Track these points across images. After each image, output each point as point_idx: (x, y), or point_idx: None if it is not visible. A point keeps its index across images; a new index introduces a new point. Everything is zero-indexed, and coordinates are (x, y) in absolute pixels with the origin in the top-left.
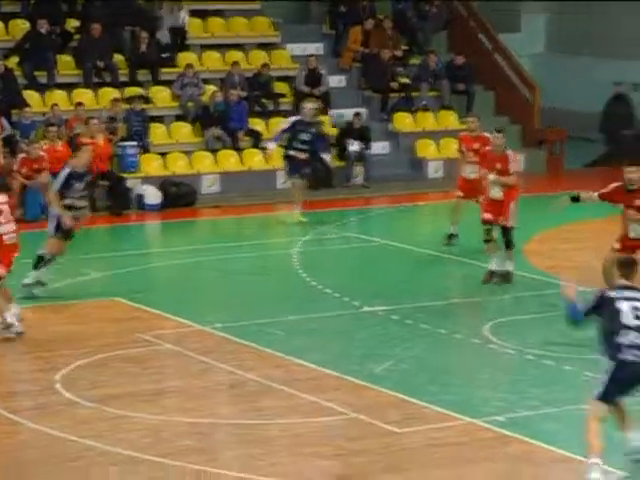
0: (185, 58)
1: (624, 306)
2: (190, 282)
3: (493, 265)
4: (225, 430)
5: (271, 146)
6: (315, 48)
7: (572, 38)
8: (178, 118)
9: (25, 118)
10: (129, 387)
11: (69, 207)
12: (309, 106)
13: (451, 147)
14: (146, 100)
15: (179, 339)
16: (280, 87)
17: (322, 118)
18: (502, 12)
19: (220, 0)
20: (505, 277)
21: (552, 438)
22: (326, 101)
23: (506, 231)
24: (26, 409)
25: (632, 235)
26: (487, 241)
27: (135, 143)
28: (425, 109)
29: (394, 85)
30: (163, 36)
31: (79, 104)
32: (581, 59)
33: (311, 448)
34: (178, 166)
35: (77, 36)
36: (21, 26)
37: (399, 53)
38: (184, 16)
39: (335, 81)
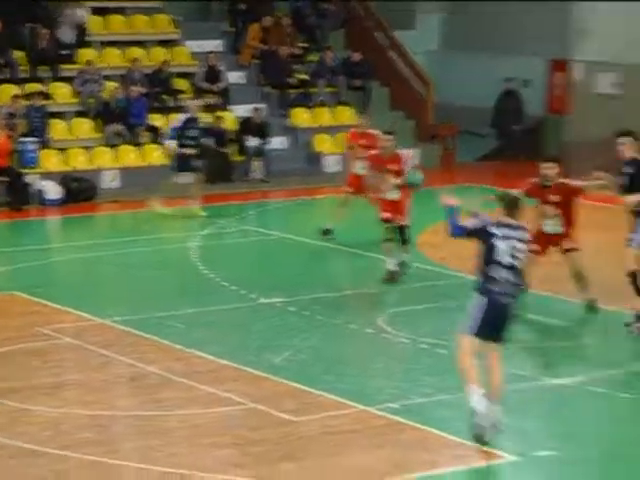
0: (85, 55)
1: (502, 244)
2: (90, 276)
3: (391, 265)
4: (125, 422)
5: (172, 145)
6: (214, 45)
7: (465, 36)
8: (79, 114)
9: None
10: (29, 380)
11: None
12: (194, 103)
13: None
14: (46, 96)
15: (79, 333)
16: (180, 84)
17: (221, 114)
18: (397, 11)
19: None
20: (401, 267)
21: (445, 425)
22: (225, 97)
23: (402, 230)
24: None
25: (547, 230)
26: (387, 240)
27: (35, 139)
28: (322, 105)
29: (292, 81)
30: (63, 33)
31: None
32: (473, 56)
33: (210, 438)
34: (78, 161)
35: None
36: None
37: (297, 50)
38: (83, 14)
39: (234, 77)
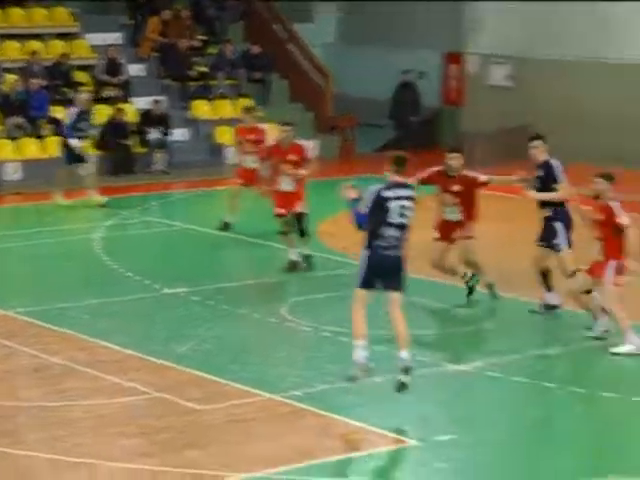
0: None
1: (393, 205)
2: None
3: (293, 255)
4: (29, 413)
5: (74, 142)
6: (114, 38)
7: (362, 29)
8: None
9: None
10: None
11: None
12: (84, 96)
13: None
14: None
15: None
16: (80, 76)
17: (123, 106)
18: (295, 3)
19: None
20: (307, 262)
21: (347, 411)
22: (126, 90)
23: (299, 218)
24: None
25: (448, 217)
26: (283, 233)
27: None
28: (223, 97)
29: (192, 74)
30: None
31: None
32: (370, 49)
33: (115, 428)
34: None
35: None
36: None
37: (197, 43)
38: None
39: (135, 70)
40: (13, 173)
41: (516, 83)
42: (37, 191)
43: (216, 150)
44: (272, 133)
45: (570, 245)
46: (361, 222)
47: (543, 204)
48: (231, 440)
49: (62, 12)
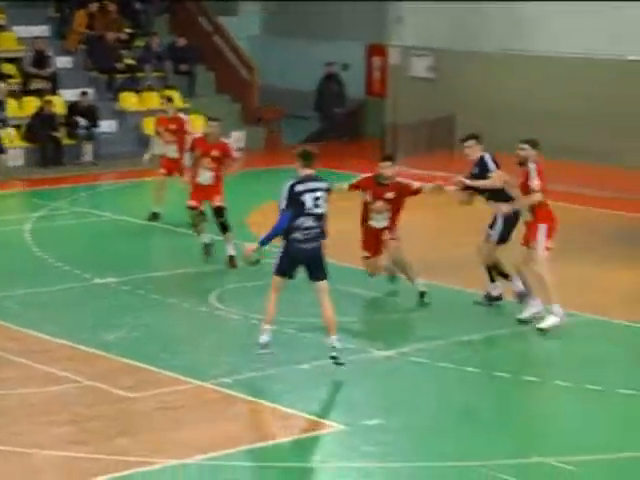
0: None
1: (307, 197)
2: None
3: (205, 239)
4: None
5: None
6: (41, 30)
7: (287, 21)
8: None
9: None
10: None
11: None
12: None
13: None
14: None
15: None
16: (8, 68)
17: (51, 98)
18: None
19: None
20: (231, 261)
21: (276, 397)
22: (54, 82)
23: (219, 212)
24: None
25: (374, 225)
26: (194, 225)
27: None
28: (150, 89)
29: (120, 66)
30: None
31: None
32: (295, 41)
33: (47, 416)
34: None
35: None
36: None
37: (124, 36)
38: None
39: (62, 62)
40: None
41: (438, 75)
42: None
43: (144, 141)
44: (194, 123)
45: (503, 241)
46: (283, 227)
47: (489, 199)
48: (161, 427)
49: None
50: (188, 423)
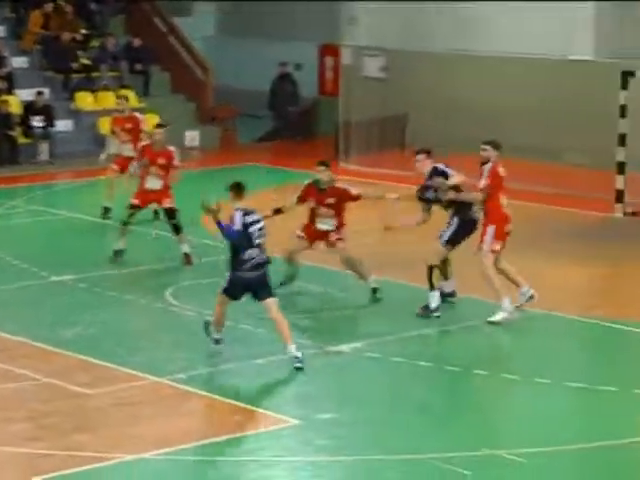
0: None
1: (254, 228)
2: None
3: (121, 244)
4: None
5: None
6: None
7: (241, 22)
8: None
9: None
10: None
11: None
12: None
13: None
14: None
15: None
16: None
17: (6, 97)
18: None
19: None
20: (187, 258)
21: (232, 392)
22: (10, 81)
23: (170, 213)
24: None
25: (321, 227)
26: (124, 223)
27: None
28: (105, 89)
29: (75, 66)
30: None
31: None
32: (249, 41)
33: (4, 413)
34: None
35: None
36: None
37: (79, 36)
38: None
39: (18, 62)
40: None
41: (389, 74)
42: None
43: (99, 140)
44: (149, 122)
45: (452, 243)
46: (232, 235)
47: (448, 205)
48: (118, 423)
49: None
50: (144, 419)
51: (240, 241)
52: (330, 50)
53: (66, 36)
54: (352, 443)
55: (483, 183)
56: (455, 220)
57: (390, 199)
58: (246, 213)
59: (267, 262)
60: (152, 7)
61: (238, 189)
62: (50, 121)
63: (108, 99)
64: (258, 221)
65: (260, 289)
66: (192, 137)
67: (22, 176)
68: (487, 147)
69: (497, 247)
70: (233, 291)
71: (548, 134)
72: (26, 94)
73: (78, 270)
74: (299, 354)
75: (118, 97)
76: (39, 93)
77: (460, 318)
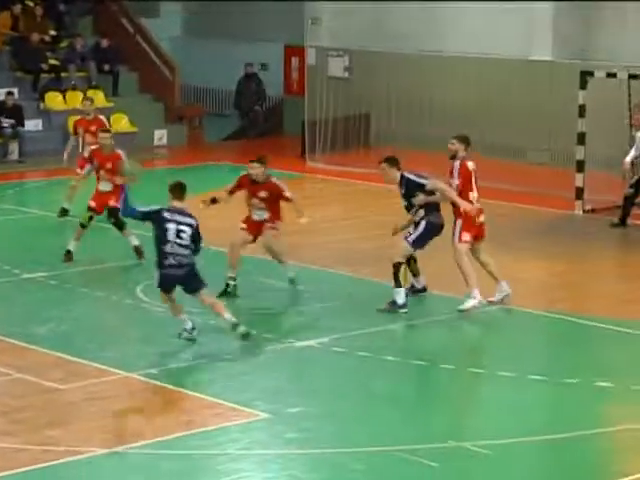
0: None
1: (171, 226)
2: None
3: (71, 246)
4: None
5: None
6: None
7: (207, 23)
8: None
9: None
10: None
11: None
12: None
13: None
14: None
15: None
16: None
17: None
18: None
19: None
20: (137, 252)
21: (202, 387)
22: None
23: (112, 212)
24: None
25: (255, 218)
26: (83, 226)
27: None
28: (74, 88)
29: (44, 66)
30: None
31: None
32: (215, 42)
33: None
34: None
35: None
36: None
37: (48, 37)
38: None
39: None
40: None
41: (353, 75)
42: None
43: (69, 139)
44: (118, 122)
45: (418, 246)
46: (127, 212)
47: (418, 207)
48: (90, 417)
49: None
50: (116, 413)
51: (136, 219)
52: (295, 51)
53: (35, 37)
54: (320, 436)
55: (455, 183)
56: (423, 223)
57: (301, 221)
58: (169, 210)
59: (191, 262)
60: (120, 8)
61: (174, 190)
62: (20, 121)
63: (77, 99)
64: (180, 223)
65: (188, 283)
66: (160, 136)
67: None
68: (454, 141)
69: (467, 238)
70: (164, 287)
71: (511, 133)
72: None
73: (49, 267)
74: (235, 320)
75: (83, 99)
76: (9, 93)
77: (426, 313)
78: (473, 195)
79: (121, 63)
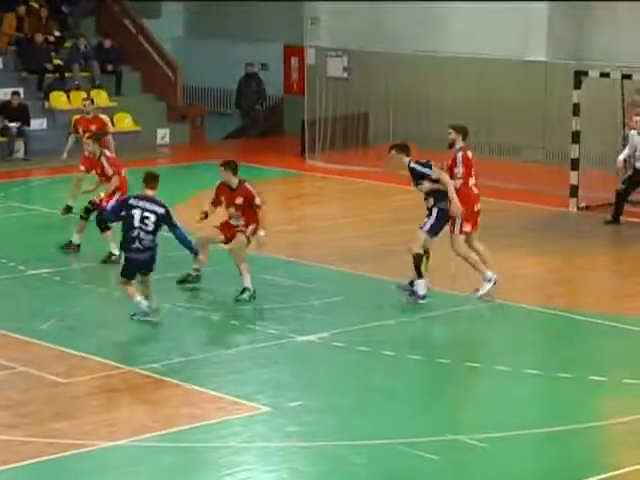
0: None
1: (137, 212)
2: None
3: (75, 238)
4: None
5: None
6: None
7: (208, 24)
8: None
9: None
10: None
11: None
12: None
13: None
14: None
15: None
16: None
17: None
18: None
19: None
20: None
21: (204, 381)
22: None
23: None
24: None
25: (232, 223)
26: (83, 218)
27: None
28: (78, 88)
29: (49, 66)
30: None
31: None
32: (216, 42)
33: None
34: None
35: None
36: None
37: (52, 38)
38: None
39: None
40: None
41: (352, 75)
42: None
43: (69, 137)
44: (121, 121)
45: (433, 233)
46: (109, 217)
47: (427, 195)
48: (94, 411)
49: None
50: (119, 407)
51: (112, 217)
52: (295, 51)
53: (39, 38)
54: (321, 429)
55: (460, 171)
56: (435, 210)
57: (259, 235)
58: (137, 197)
59: (153, 247)
60: (122, 9)
61: (146, 179)
62: (25, 120)
63: (81, 98)
64: (145, 210)
65: (146, 269)
66: (163, 135)
67: None
68: (451, 130)
69: (467, 229)
70: (127, 273)
71: (507, 132)
72: (1, 94)
73: (54, 264)
74: (154, 305)
75: (84, 99)
76: (14, 93)
77: (425, 309)
78: (472, 181)
79: (124, 63)
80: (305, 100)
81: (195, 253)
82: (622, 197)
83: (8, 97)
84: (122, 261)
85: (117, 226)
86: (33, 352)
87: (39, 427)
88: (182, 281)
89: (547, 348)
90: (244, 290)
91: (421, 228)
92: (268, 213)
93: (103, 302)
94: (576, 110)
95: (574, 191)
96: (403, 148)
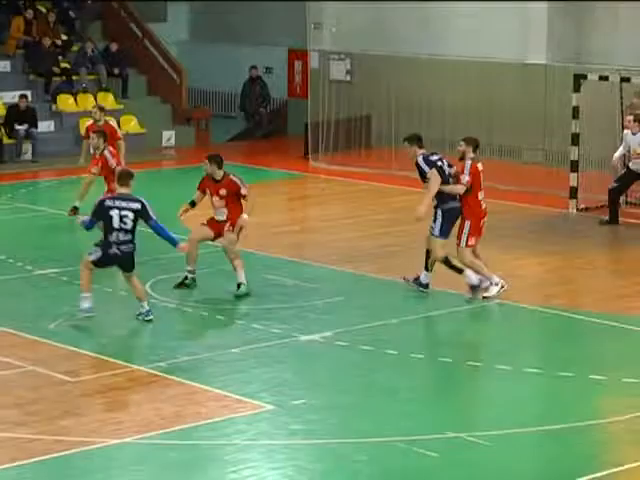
0: None
1: (114, 213)
2: None
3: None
4: None
5: None
6: None
7: (212, 27)
8: None
9: None
10: None
11: None
12: None
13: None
14: None
15: None
16: None
17: None
18: (150, 3)
19: None
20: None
21: (209, 380)
22: None
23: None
24: None
25: (217, 218)
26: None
27: None
28: (85, 91)
29: (56, 70)
30: None
31: None
32: (221, 46)
33: None
34: None
35: None
36: None
37: (59, 41)
38: None
39: (1, 66)
40: None
41: (354, 78)
42: None
43: (80, 140)
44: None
45: (445, 234)
46: (88, 226)
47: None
48: (101, 409)
49: None
50: (126, 405)
51: (91, 225)
52: (298, 55)
53: (47, 41)
54: (324, 427)
55: (465, 179)
56: (439, 212)
57: (242, 216)
58: (112, 198)
59: (134, 245)
60: (128, 13)
61: (119, 177)
62: (33, 123)
63: (88, 101)
64: (123, 208)
65: (125, 266)
66: (168, 137)
67: (6, 174)
68: (461, 142)
69: (473, 242)
70: (102, 265)
71: (508, 134)
72: (9, 97)
73: (61, 264)
74: (147, 307)
75: (93, 107)
76: (22, 96)
77: (426, 308)
78: (481, 195)
79: (130, 66)
80: (308, 103)
81: (174, 243)
82: (615, 195)
83: (16, 100)
84: (98, 255)
85: None
86: (41, 351)
87: (47, 425)
88: (179, 285)
89: (547, 347)
90: (239, 285)
91: (432, 234)
92: (255, 199)
93: (109, 301)
94: (575, 113)
95: (574, 193)
96: (414, 139)
